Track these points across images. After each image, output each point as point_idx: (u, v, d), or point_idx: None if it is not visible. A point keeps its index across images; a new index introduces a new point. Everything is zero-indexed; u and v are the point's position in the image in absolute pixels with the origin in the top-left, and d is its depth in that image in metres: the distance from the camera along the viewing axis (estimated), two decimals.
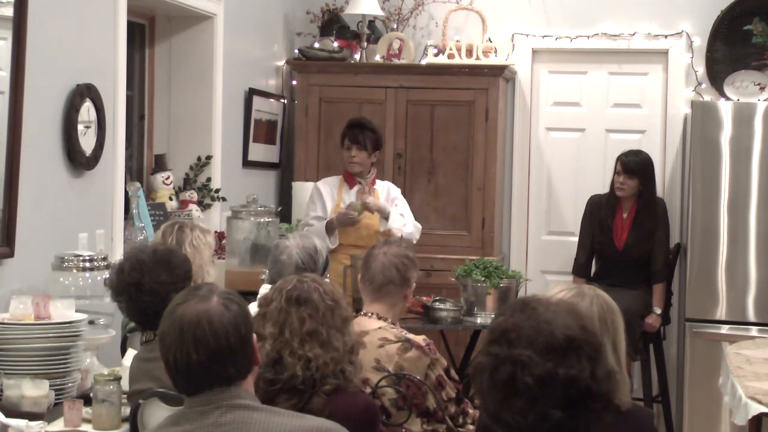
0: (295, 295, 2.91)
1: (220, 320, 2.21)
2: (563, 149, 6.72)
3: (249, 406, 2.21)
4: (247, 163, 6.16)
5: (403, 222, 5.42)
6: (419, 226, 5.55)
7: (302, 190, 5.93)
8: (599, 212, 6.09)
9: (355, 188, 5.49)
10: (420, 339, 3.50)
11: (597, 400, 1.93)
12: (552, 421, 1.89)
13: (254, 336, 2.30)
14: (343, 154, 5.53)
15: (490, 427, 2.85)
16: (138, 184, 4.94)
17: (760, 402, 3.87)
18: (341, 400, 2.84)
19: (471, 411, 3.53)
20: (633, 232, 6.00)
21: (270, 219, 5.26)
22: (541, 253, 6.74)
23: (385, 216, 5.37)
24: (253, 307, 3.05)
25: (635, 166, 5.95)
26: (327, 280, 3.21)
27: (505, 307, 2.06)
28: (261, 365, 2.81)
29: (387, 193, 5.57)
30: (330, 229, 5.34)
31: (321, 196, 5.49)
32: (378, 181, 5.58)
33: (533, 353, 1.90)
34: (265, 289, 3.99)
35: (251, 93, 6.13)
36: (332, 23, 6.58)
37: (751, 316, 5.99)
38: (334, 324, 2.91)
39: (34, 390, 3.24)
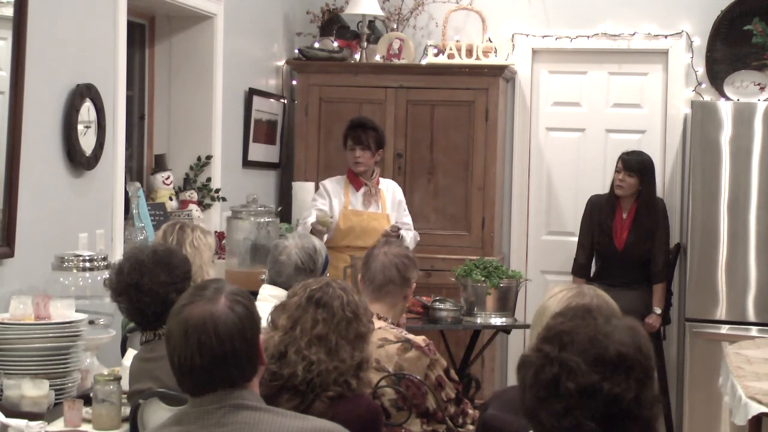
0: (316, 296, 2.90)
1: (225, 324, 2.18)
2: (563, 149, 6.72)
3: (252, 406, 2.20)
4: (247, 163, 6.16)
5: (410, 236, 5.48)
6: (418, 238, 5.59)
7: (302, 190, 5.93)
8: (599, 212, 6.09)
9: (362, 190, 5.50)
10: (420, 339, 3.50)
11: (636, 423, 1.89)
12: (586, 431, 1.89)
13: (260, 337, 2.28)
14: (347, 155, 5.53)
15: (490, 427, 2.85)
16: (138, 184, 4.94)
17: (760, 402, 3.87)
18: (344, 404, 2.84)
19: (471, 411, 3.53)
20: (633, 232, 6.00)
21: (270, 219, 5.25)
22: (541, 253, 6.74)
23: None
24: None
25: (635, 164, 5.95)
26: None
27: (567, 309, 2.03)
28: (268, 355, 2.81)
29: (393, 195, 5.59)
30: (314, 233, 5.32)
31: (329, 194, 5.49)
32: (381, 180, 5.60)
33: (582, 362, 1.87)
34: (265, 289, 3.99)
35: (251, 93, 6.13)
36: (332, 23, 6.58)
37: (751, 316, 5.99)
38: (346, 335, 2.88)
39: (34, 390, 3.24)
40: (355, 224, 5.45)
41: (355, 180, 5.51)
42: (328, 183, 5.58)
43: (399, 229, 5.36)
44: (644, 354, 1.93)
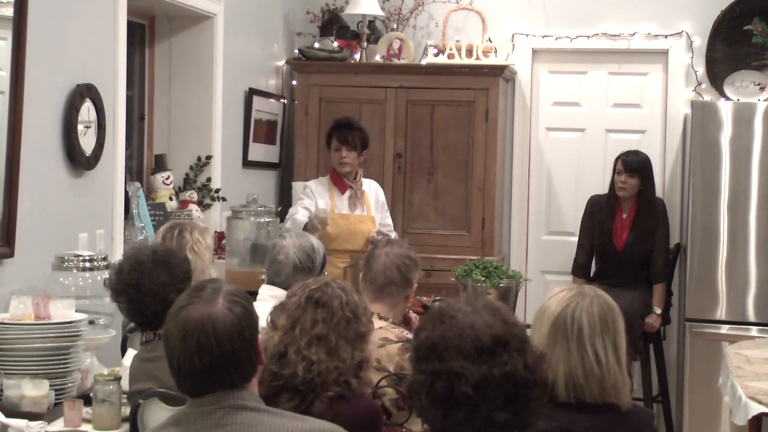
0: (315, 296, 2.90)
1: (224, 325, 2.18)
2: (563, 149, 6.71)
3: (252, 407, 2.20)
4: (247, 163, 6.16)
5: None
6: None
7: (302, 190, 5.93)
8: (599, 213, 6.09)
9: (347, 193, 5.50)
10: None
11: (534, 387, 1.93)
12: (498, 422, 1.89)
13: (259, 337, 2.28)
14: (332, 155, 5.54)
15: None
16: (138, 184, 4.95)
17: (760, 402, 3.87)
18: (344, 404, 2.83)
19: None
20: (633, 233, 6.00)
21: (270, 219, 5.25)
22: (541, 253, 6.74)
23: None
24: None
25: (637, 164, 5.96)
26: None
27: (424, 321, 2.04)
28: (267, 356, 2.81)
29: (375, 196, 5.60)
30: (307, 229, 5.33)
31: (313, 195, 5.48)
32: (363, 180, 5.59)
33: (465, 362, 1.89)
34: (264, 289, 3.99)
35: (251, 93, 6.13)
36: (332, 23, 6.58)
37: (751, 316, 5.99)
38: (346, 335, 2.88)
39: (34, 390, 3.24)
40: (342, 228, 5.46)
41: (339, 182, 5.50)
42: (313, 185, 5.58)
43: (388, 236, 5.36)
44: (511, 324, 1.97)
